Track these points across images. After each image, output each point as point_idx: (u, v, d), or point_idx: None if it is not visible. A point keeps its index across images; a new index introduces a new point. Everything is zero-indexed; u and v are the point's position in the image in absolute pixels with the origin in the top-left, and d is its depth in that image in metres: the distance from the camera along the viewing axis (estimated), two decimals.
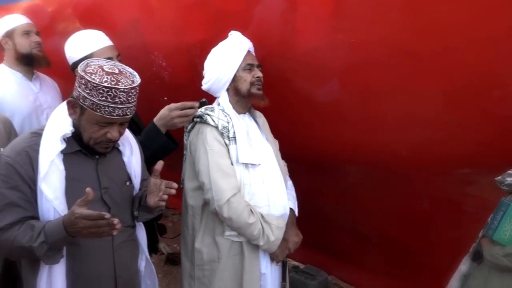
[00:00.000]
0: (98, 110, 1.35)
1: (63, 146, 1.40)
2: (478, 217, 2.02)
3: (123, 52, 2.15)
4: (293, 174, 2.59)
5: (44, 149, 1.38)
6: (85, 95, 1.35)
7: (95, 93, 1.33)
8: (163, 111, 1.84)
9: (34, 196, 1.38)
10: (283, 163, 2.02)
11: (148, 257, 1.73)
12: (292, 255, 3.32)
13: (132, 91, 1.38)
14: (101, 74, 1.34)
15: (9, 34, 2.39)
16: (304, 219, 2.80)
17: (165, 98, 2.47)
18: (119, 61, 2.01)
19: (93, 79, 1.33)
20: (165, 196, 1.46)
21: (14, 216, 1.35)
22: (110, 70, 1.37)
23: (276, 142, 2.04)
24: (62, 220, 1.30)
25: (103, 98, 1.33)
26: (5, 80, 2.34)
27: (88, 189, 1.27)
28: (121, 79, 1.36)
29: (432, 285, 2.39)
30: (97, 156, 1.49)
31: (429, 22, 1.57)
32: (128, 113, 1.40)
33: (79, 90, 1.37)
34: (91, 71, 1.35)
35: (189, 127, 1.86)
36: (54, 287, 1.39)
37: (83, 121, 1.41)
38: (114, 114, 1.36)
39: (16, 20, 2.43)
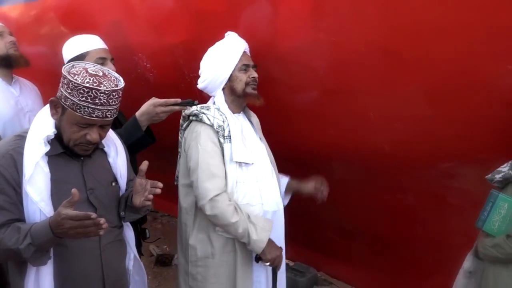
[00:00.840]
0: (78, 111, 1.35)
1: (47, 148, 1.40)
2: (463, 210, 2.07)
3: None
4: (280, 171, 2.62)
5: (29, 152, 1.37)
6: (67, 94, 1.35)
7: (76, 93, 1.33)
8: (147, 107, 1.87)
9: (20, 199, 1.37)
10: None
11: (137, 254, 1.74)
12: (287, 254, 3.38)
13: (114, 93, 1.38)
14: (84, 75, 1.35)
15: None
16: (292, 216, 2.84)
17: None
18: (113, 64, 2.02)
19: (75, 79, 1.33)
20: (151, 196, 1.46)
21: (0, 219, 1.34)
22: (94, 73, 1.38)
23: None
24: (49, 221, 1.29)
25: (83, 99, 1.33)
26: None
27: (73, 190, 1.27)
28: (103, 81, 1.36)
29: (414, 276, 2.45)
30: (82, 158, 1.49)
31: (409, 20, 1.60)
32: (109, 116, 1.39)
33: (62, 90, 1.37)
34: (75, 72, 1.36)
35: (184, 125, 1.88)
36: (43, 286, 1.39)
37: (63, 121, 1.40)
38: (94, 115, 1.36)
39: None
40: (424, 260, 2.42)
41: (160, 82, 2.41)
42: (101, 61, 1.96)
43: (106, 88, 1.35)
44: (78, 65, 1.40)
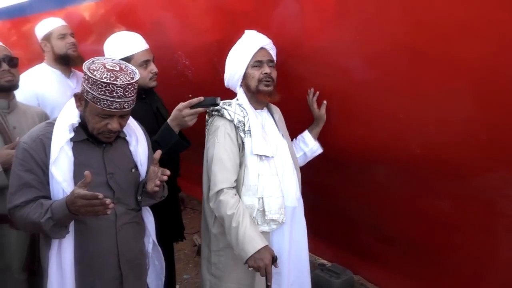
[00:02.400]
0: (98, 103, 1.48)
1: (71, 134, 1.55)
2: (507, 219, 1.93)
3: None
4: (317, 172, 2.60)
5: (55, 137, 1.53)
6: (88, 89, 1.49)
7: (95, 87, 1.47)
8: (174, 112, 1.92)
9: (47, 179, 1.53)
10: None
11: (155, 240, 1.84)
12: (319, 253, 3.36)
13: (129, 86, 1.50)
14: (102, 71, 1.48)
15: (47, 37, 2.63)
16: (330, 218, 2.81)
17: (190, 95, 2.56)
18: (153, 62, 2.13)
19: (94, 75, 1.47)
20: (158, 182, 1.59)
21: (29, 195, 1.51)
22: (111, 68, 1.50)
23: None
24: (66, 199, 1.43)
25: (102, 92, 1.47)
26: (46, 78, 2.58)
27: (86, 172, 1.40)
28: (120, 75, 1.49)
29: (454, 287, 2.32)
30: (104, 145, 1.63)
31: (438, 19, 1.53)
32: (126, 107, 1.52)
33: (84, 84, 1.52)
34: (94, 68, 1.49)
35: (209, 121, 1.94)
36: (63, 259, 1.55)
37: (87, 112, 1.55)
38: (112, 107, 1.49)
39: (52, 24, 2.66)
40: (464, 271, 2.29)
41: (198, 79, 2.49)
42: (145, 63, 2.07)
43: (122, 82, 1.47)
44: (97, 61, 1.52)
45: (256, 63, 1.88)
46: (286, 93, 2.11)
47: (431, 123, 1.78)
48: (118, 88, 1.47)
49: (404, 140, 1.91)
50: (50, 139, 1.54)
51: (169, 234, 2.26)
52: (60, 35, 2.60)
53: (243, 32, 1.98)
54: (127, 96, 1.51)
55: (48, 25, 2.64)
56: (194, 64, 2.47)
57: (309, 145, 2.14)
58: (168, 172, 1.60)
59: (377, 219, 2.55)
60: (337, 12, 1.79)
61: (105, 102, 1.48)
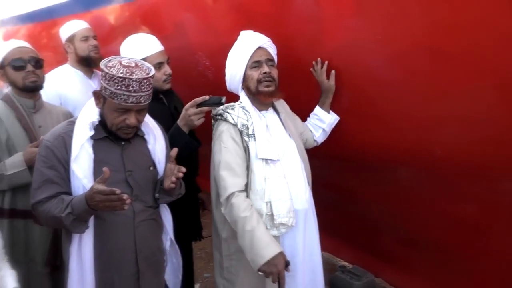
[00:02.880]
0: (115, 98, 1.53)
1: (91, 132, 1.60)
2: None
3: (171, 54, 2.31)
4: (338, 173, 2.58)
5: (76, 135, 1.59)
6: (105, 85, 1.54)
7: (112, 83, 1.52)
8: (182, 112, 1.93)
9: (68, 175, 1.58)
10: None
11: (173, 238, 1.86)
12: (341, 254, 3.32)
13: (145, 81, 1.54)
14: (118, 67, 1.53)
15: (70, 39, 2.71)
16: (350, 219, 2.78)
17: (210, 95, 2.59)
18: (168, 64, 2.15)
19: (111, 71, 1.52)
20: (174, 179, 1.62)
21: (51, 191, 1.56)
22: (127, 64, 1.55)
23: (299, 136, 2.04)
24: (85, 195, 1.48)
25: (118, 87, 1.52)
26: (68, 79, 2.66)
27: (104, 169, 1.44)
28: (135, 71, 1.54)
29: None
30: (123, 143, 1.67)
31: (458, 18, 1.49)
32: (142, 101, 1.56)
33: (102, 82, 1.57)
34: (110, 65, 1.55)
35: (214, 125, 1.93)
36: (84, 254, 1.59)
37: (105, 109, 1.60)
38: (129, 102, 1.54)
39: (76, 26, 2.74)
40: (489, 275, 2.22)
41: (218, 79, 2.51)
42: (158, 65, 2.08)
43: (138, 76, 1.52)
44: (114, 59, 1.58)
45: (254, 63, 1.84)
46: (304, 93, 2.12)
47: (453, 124, 1.73)
48: (134, 83, 1.52)
49: (425, 141, 1.87)
50: (71, 137, 1.59)
51: (188, 233, 2.28)
52: (83, 37, 2.68)
53: (262, 32, 1.97)
54: (143, 90, 1.55)
55: (71, 28, 2.72)
56: (214, 65, 2.49)
57: (325, 120, 2.09)
58: (183, 169, 1.62)
59: (400, 221, 2.50)
60: (357, 12, 1.78)
61: (122, 97, 1.53)
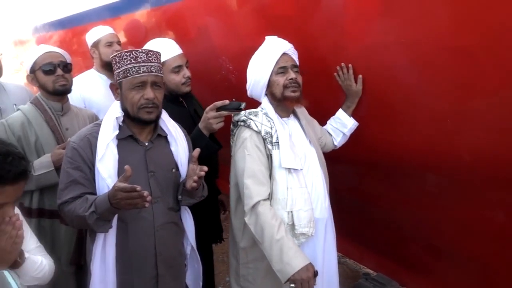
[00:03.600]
0: (128, 74, 1.62)
1: (115, 132, 1.64)
2: None
3: (195, 58, 2.34)
4: (362, 179, 2.54)
5: (102, 135, 1.63)
6: (117, 70, 1.64)
7: (122, 62, 1.62)
8: (203, 114, 1.94)
9: (93, 176, 1.62)
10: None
11: (193, 244, 1.86)
12: (365, 262, 3.26)
13: (151, 53, 1.64)
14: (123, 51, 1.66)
15: (96, 45, 2.80)
16: (375, 226, 2.73)
17: (234, 99, 2.61)
18: (187, 67, 2.18)
19: (119, 54, 1.64)
20: (196, 177, 1.63)
21: (76, 192, 1.60)
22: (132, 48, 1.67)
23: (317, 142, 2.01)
24: (108, 193, 1.50)
25: (128, 62, 1.61)
26: (93, 83, 2.74)
27: (126, 167, 1.47)
28: (139, 49, 1.66)
29: None
30: (146, 143, 1.70)
31: (486, 18, 1.44)
32: (153, 70, 1.63)
33: (114, 70, 1.66)
34: (118, 53, 1.67)
35: (234, 130, 1.91)
36: (107, 255, 1.62)
37: (124, 95, 1.66)
38: (140, 71, 1.61)
39: (101, 32, 2.82)
40: None
41: (241, 83, 2.52)
42: (177, 69, 2.11)
43: (143, 49, 1.66)
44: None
45: (280, 69, 1.82)
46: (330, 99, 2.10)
47: (481, 129, 1.68)
48: (141, 54, 1.62)
49: (453, 146, 1.81)
50: (96, 138, 1.63)
51: (208, 236, 2.28)
52: (108, 43, 2.75)
53: (282, 37, 1.97)
54: (151, 60, 1.63)
55: (96, 33, 2.81)
56: (237, 69, 2.50)
57: (348, 125, 2.08)
58: (205, 168, 1.63)
59: (425, 228, 2.44)
60: (382, 14, 1.75)
61: (133, 69, 1.61)
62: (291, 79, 1.81)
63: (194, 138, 1.93)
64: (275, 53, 1.83)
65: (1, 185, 1.23)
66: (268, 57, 1.83)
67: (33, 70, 2.10)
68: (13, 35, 6.02)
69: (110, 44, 2.76)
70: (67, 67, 2.13)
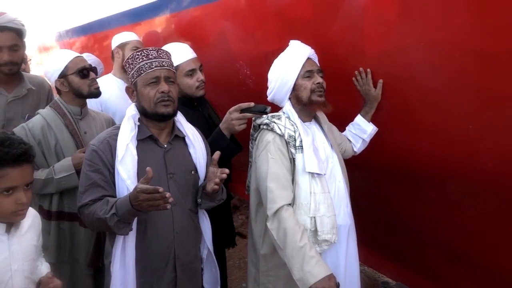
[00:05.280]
0: (142, 71, 1.65)
1: (134, 132, 1.65)
2: None
3: (213, 62, 2.35)
4: (381, 185, 2.49)
5: (121, 137, 1.64)
6: (131, 71, 1.68)
7: (134, 62, 1.67)
8: (226, 115, 1.93)
9: (112, 178, 1.63)
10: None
11: (211, 248, 1.85)
12: (383, 269, 3.19)
13: (160, 51, 1.69)
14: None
15: (122, 46, 2.87)
16: (395, 233, 2.67)
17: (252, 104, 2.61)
18: (201, 71, 2.20)
19: (131, 55, 1.70)
20: (217, 180, 1.63)
21: (96, 194, 1.60)
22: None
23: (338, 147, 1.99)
24: (129, 195, 1.50)
25: (140, 60, 1.66)
26: (110, 86, 2.76)
27: (148, 169, 1.47)
28: (149, 48, 1.70)
29: None
30: (165, 145, 1.71)
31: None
32: (165, 65, 1.68)
33: (129, 75, 1.70)
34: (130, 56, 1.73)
35: (255, 134, 1.89)
36: (127, 257, 1.62)
37: (139, 94, 1.68)
38: (153, 66, 1.65)
39: (130, 36, 2.91)
40: None
41: (258, 88, 2.52)
42: (191, 72, 2.14)
43: (153, 47, 1.70)
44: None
45: (307, 73, 1.81)
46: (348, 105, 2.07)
47: (504, 135, 1.63)
48: (151, 51, 1.67)
49: (475, 153, 1.76)
50: (116, 140, 1.64)
51: (221, 240, 2.27)
52: (134, 47, 2.81)
53: (302, 40, 1.96)
54: (162, 57, 1.68)
55: (126, 36, 2.89)
56: (255, 73, 2.50)
57: (367, 131, 2.05)
58: (227, 170, 1.62)
59: (447, 237, 2.37)
60: (401, 17, 1.72)
61: (146, 65, 1.65)
62: (318, 83, 1.80)
63: (216, 138, 1.93)
64: (301, 57, 1.82)
65: (2, 168, 1.26)
66: (295, 61, 1.82)
67: (63, 75, 2.12)
68: (38, 41, 6.19)
69: (135, 49, 2.79)
70: (95, 71, 2.20)
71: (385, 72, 1.88)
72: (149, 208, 1.48)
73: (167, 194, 1.43)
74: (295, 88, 1.83)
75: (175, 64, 2.17)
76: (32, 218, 1.47)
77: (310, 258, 1.58)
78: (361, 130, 2.06)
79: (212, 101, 2.42)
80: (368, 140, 2.09)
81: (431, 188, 2.16)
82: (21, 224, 1.40)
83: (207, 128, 2.06)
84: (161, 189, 1.43)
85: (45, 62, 5.68)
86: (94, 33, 4.33)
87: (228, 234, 2.39)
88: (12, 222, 1.37)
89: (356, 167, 2.15)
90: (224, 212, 2.28)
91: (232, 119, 1.89)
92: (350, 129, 2.11)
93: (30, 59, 5.36)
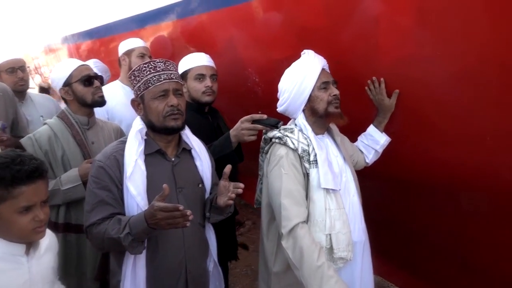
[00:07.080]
0: (149, 85, 1.60)
1: (141, 146, 1.59)
2: None
3: (221, 69, 2.32)
4: (394, 196, 2.45)
5: (128, 152, 1.58)
6: (137, 84, 1.62)
7: (141, 75, 1.61)
8: (238, 122, 1.90)
9: (121, 195, 1.56)
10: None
11: (216, 261, 1.82)
12: (392, 278, 3.14)
13: (168, 62, 1.63)
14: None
15: (128, 53, 2.84)
16: (407, 244, 2.63)
17: (260, 112, 2.56)
18: (213, 79, 2.19)
19: (137, 68, 1.64)
20: (233, 195, 1.58)
21: (104, 213, 1.53)
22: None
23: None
24: (144, 213, 1.44)
25: (147, 73, 1.60)
26: (116, 93, 2.74)
27: (164, 186, 1.42)
28: (156, 59, 1.64)
29: None
30: (173, 159, 1.66)
31: None
32: (173, 77, 1.62)
33: (134, 87, 1.65)
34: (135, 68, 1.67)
35: (266, 148, 1.84)
36: (137, 275, 1.56)
37: (147, 108, 1.63)
38: (162, 79, 1.59)
39: (136, 43, 2.88)
40: None
41: (267, 96, 2.48)
42: (200, 77, 2.15)
43: (160, 59, 1.64)
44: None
45: (323, 84, 1.75)
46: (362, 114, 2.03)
47: None
48: (159, 63, 1.62)
49: (492, 165, 1.71)
50: (123, 156, 1.58)
51: (224, 253, 2.20)
52: (140, 54, 2.80)
53: (312, 50, 1.91)
54: (169, 68, 1.63)
55: (132, 43, 2.86)
56: (264, 81, 2.46)
57: (380, 141, 2.00)
58: (242, 185, 1.57)
59: (461, 249, 2.33)
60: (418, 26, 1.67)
61: (154, 78, 1.59)
62: (334, 95, 1.75)
63: (222, 143, 1.92)
64: (317, 68, 1.76)
65: (17, 186, 1.21)
66: (310, 72, 1.75)
67: (68, 83, 2.09)
68: (44, 43, 6.19)
69: (142, 56, 2.80)
70: (100, 79, 2.16)
71: (401, 82, 1.83)
72: (167, 226, 1.42)
73: (188, 212, 1.38)
74: (310, 99, 1.76)
75: (186, 68, 2.19)
76: (49, 238, 1.42)
77: (329, 278, 1.52)
78: (374, 141, 2.01)
79: (222, 111, 2.40)
80: (380, 151, 2.04)
81: (447, 200, 2.12)
82: (39, 245, 1.35)
83: (214, 137, 2.02)
84: (181, 207, 1.37)
85: (52, 65, 5.69)
86: (99, 38, 4.31)
87: (230, 247, 2.36)
88: (31, 241, 1.32)
89: (369, 177, 2.10)
90: (227, 225, 2.24)
91: (242, 128, 1.86)
92: (362, 140, 2.06)
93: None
